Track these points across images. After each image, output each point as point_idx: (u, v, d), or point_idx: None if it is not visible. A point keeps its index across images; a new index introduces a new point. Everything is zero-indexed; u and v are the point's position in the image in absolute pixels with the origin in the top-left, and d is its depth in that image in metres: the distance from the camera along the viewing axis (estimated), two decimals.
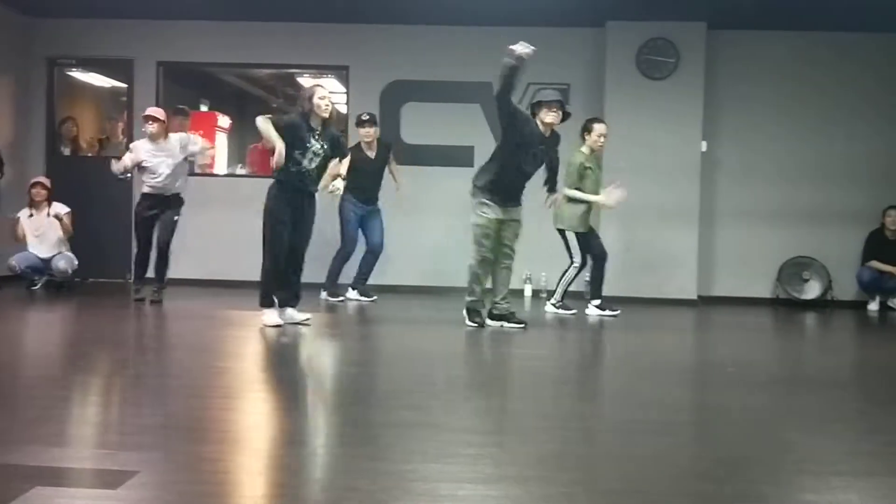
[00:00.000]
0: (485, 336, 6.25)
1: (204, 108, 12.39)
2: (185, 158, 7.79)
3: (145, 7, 8.81)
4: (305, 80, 11.99)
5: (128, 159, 7.63)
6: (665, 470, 3.14)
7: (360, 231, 8.24)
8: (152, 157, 7.56)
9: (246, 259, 9.23)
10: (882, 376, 5.44)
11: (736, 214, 8.94)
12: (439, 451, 3.22)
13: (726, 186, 8.97)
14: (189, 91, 11.74)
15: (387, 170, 8.31)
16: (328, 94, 6.29)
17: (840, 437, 3.67)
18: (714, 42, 8.82)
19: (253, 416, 3.89)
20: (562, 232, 7.53)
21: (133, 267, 7.95)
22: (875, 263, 8.67)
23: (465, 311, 6.48)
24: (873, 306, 8.75)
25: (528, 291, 8.94)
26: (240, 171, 10.34)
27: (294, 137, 6.09)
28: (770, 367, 5.81)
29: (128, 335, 6.45)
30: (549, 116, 6.46)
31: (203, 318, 7.01)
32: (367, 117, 8.20)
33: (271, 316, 6.26)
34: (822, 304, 8.78)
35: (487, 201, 6.34)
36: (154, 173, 7.58)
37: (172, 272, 9.15)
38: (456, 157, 8.94)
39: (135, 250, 7.89)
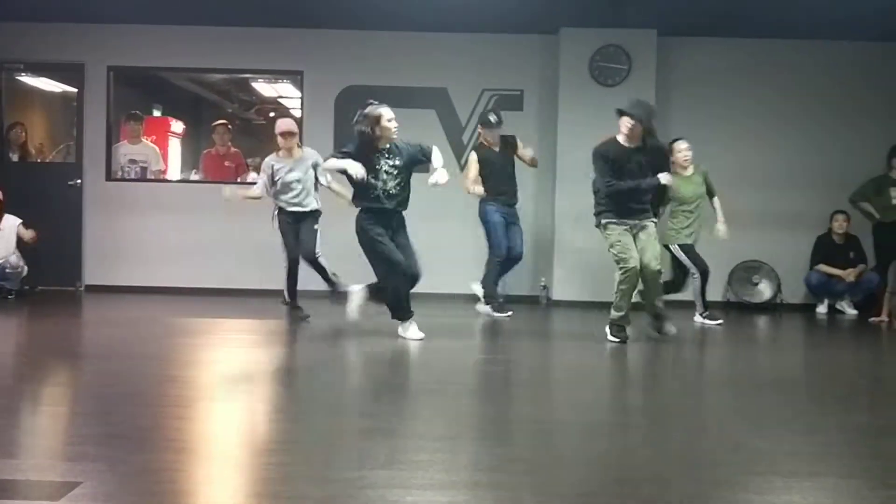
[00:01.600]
0: (442, 342, 6.25)
1: (157, 113, 12.27)
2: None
3: (96, 11, 8.68)
4: (260, 85, 11.98)
5: (260, 183, 7.30)
6: (614, 473, 3.18)
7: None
8: (286, 173, 7.20)
9: (196, 266, 9.20)
10: (827, 378, 5.56)
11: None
12: (390, 457, 3.22)
13: None
14: (141, 96, 11.61)
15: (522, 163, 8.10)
16: (393, 115, 6.27)
17: (784, 438, 3.73)
18: (664, 49, 8.93)
19: (202, 425, 3.85)
20: (667, 248, 7.63)
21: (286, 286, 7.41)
22: (823, 267, 8.83)
23: (607, 327, 6.46)
24: (822, 309, 8.91)
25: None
26: (193, 176, 10.23)
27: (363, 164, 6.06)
28: (719, 369, 5.91)
29: (75, 344, 6.35)
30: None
31: (152, 325, 6.91)
32: (496, 119, 7.96)
33: (414, 330, 6.22)
34: (771, 308, 8.92)
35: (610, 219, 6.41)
36: (290, 190, 7.21)
37: (118, 280, 9.10)
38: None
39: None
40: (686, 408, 4.41)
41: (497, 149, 8.00)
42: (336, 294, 7.23)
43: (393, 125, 6.21)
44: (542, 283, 9.13)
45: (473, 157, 7.97)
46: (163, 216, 9.24)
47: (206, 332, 6.68)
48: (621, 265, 6.30)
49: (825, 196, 8.97)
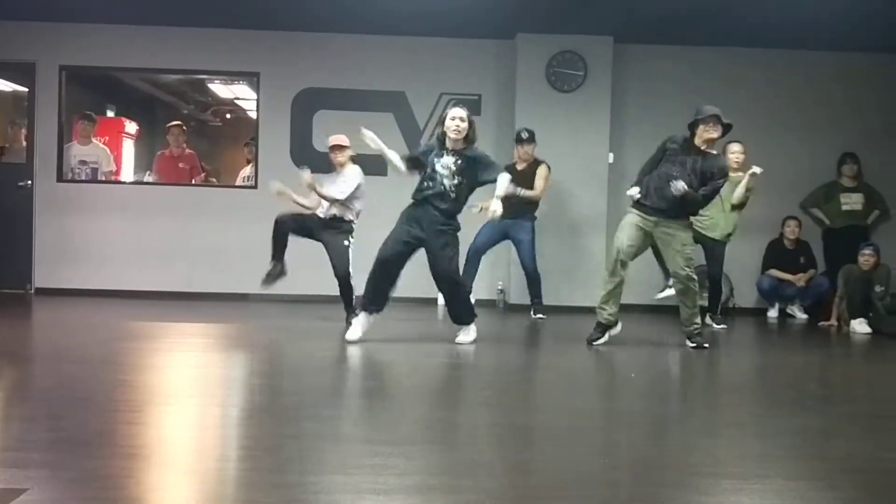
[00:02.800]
0: (398, 345, 6.25)
1: (110, 114, 12.11)
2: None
3: (48, 9, 8.54)
4: (216, 86, 11.87)
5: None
6: (567, 476, 3.19)
7: (486, 247, 8.25)
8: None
9: (151, 269, 9.08)
10: (777, 381, 5.65)
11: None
12: (342, 462, 3.21)
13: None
14: (95, 96, 11.45)
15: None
16: (460, 115, 6.16)
17: (734, 440, 3.79)
18: (621, 56, 9.03)
19: (153, 430, 3.80)
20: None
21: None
22: (774, 272, 8.98)
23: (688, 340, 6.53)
24: (773, 313, 9.06)
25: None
26: (147, 178, 10.11)
27: (427, 160, 6.21)
28: (671, 373, 5.98)
29: (24, 347, 6.23)
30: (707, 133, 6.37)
31: (104, 329, 6.81)
32: (527, 136, 8.18)
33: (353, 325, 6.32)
34: (723, 312, 9.03)
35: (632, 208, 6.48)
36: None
37: (70, 283, 8.95)
38: (369, 166, 8.87)
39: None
40: (639, 411, 4.46)
41: (520, 167, 8.16)
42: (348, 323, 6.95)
43: (454, 124, 6.12)
44: (500, 288, 9.17)
45: (544, 171, 8.21)
46: (116, 218, 9.11)
47: (159, 336, 6.60)
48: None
49: (777, 202, 9.11)
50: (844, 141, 9.14)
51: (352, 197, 7.08)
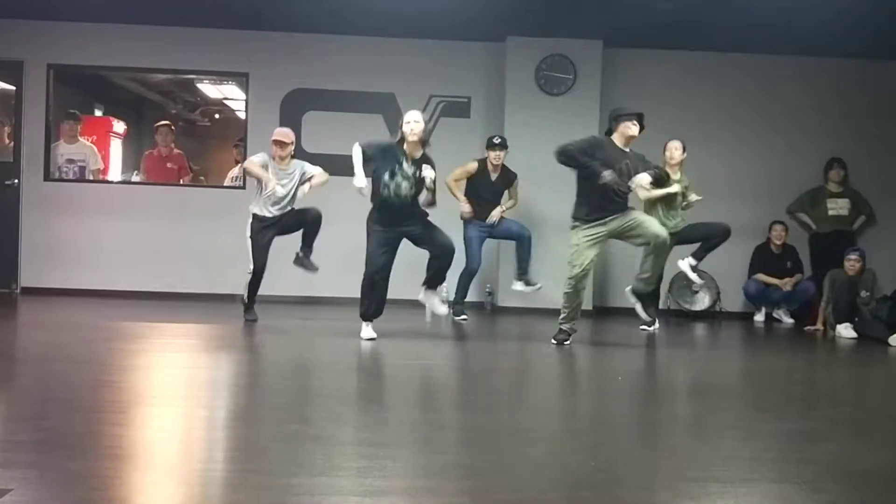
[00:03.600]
0: (385, 347, 6.24)
1: (98, 113, 12.06)
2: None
3: (36, 7, 8.50)
4: (205, 86, 11.83)
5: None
6: (551, 478, 3.19)
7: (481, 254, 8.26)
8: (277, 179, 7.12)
9: (138, 269, 9.04)
10: (763, 384, 5.67)
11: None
12: (328, 464, 3.20)
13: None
14: (82, 95, 11.39)
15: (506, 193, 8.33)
16: (416, 119, 6.32)
17: (720, 444, 3.80)
18: (610, 59, 9.05)
19: (138, 431, 3.79)
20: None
21: (247, 292, 7.31)
22: (761, 276, 9.02)
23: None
24: (759, 317, 9.10)
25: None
26: (135, 178, 10.06)
27: (385, 160, 6.26)
28: (658, 376, 6.00)
29: (9, 347, 6.18)
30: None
31: (90, 329, 6.78)
32: (499, 141, 8.15)
33: (365, 330, 6.45)
34: (711, 316, 9.08)
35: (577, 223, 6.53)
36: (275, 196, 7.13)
37: (56, 282, 8.90)
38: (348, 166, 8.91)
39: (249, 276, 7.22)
40: (625, 414, 4.47)
41: (493, 177, 8.19)
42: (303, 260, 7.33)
43: (408, 128, 6.29)
44: (488, 289, 9.17)
45: (473, 165, 8.19)
46: (103, 218, 9.08)
47: (146, 337, 6.57)
48: (571, 268, 6.44)
49: (763, 207, 9.17)
50: (831, 146, 9.19)
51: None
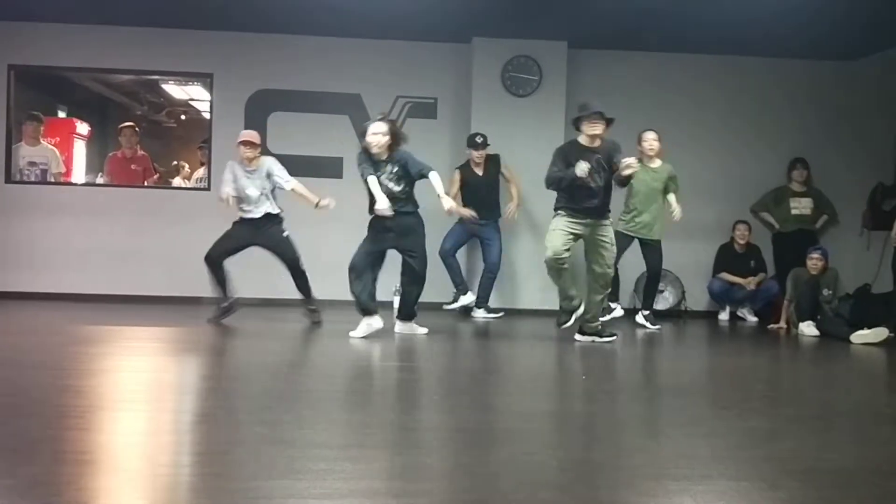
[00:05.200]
0: (348, 348, 6.23)
1: (62, 115, 11.94)
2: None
3: None
4: (171, 87, 11.75)
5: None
6: (514, 478, 3.20)
7: (458, 247, 8.55)
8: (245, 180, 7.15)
9: (102, 272, 8.95)
10: (726, 382, 5.73)
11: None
12: (288, 466, 3.18)
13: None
14: (45, 96, 11.27)
15: (504, 183, 8.55)
16: (374, 132, 6.49)
17: (681, 441, 3.83)
18: (575, 61, 9.10)
19: (98, 436, 3.74)
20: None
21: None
22: (725, 275, 9.11)
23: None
24: (724, 316, 9.20)
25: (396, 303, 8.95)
26: (99, 180, 9.97)
27: (368, 172, 6.50)
28: (622, 375, 6.03)
29: None
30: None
31: (52, 333, 6.70)
32: (480, 140, 8.32)
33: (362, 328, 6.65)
34: (676, 314, 9.16)
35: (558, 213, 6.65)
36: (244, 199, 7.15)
37: (17, 286, 8.78)
38: (324, 167, 8.91)
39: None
40: (588, 413, 4.50)
41: (480, 171, 8.40)
42: (311, 311, 7.43)
43: (374, 140, 6.48)
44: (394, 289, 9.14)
45: (457, 174, 8.43)
46: (66, 220, 8.98)
47: (109, 341, 6.51)
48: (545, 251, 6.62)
49: (727, 206, 9.27)
50: (794, 146, 9.31)
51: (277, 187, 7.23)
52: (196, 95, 12.05)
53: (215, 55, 9.08)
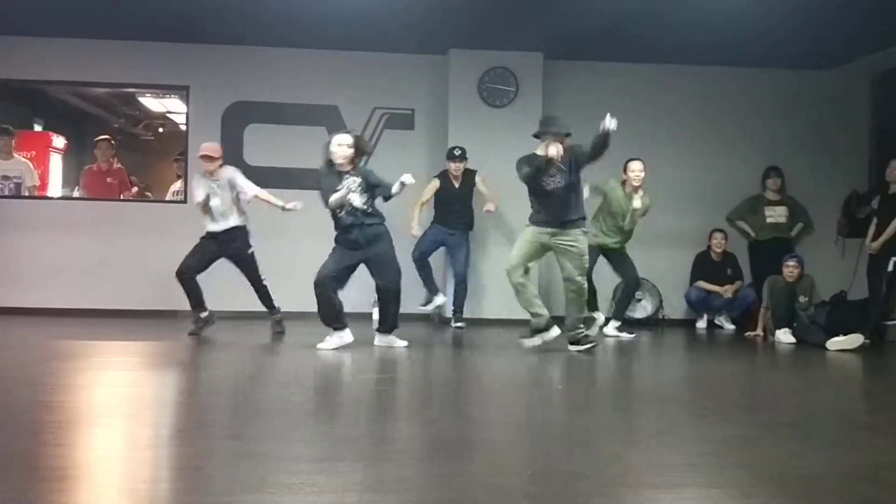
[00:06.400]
0: (323, 361, 6.21)
1: (38, 128, 11.85)
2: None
3: None
4: (148, 100, 11.70)
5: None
6: (488, 489, 3.19)
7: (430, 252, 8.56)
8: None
9: (77, 286, 8.87)
10: (701, 391, 5.76)
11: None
12: (262, 480, 3.16)
13: None
14: (21, 109, 11.20)
15: (477, 194, 8.58)
16: (339, 143, 6.55)
17: (654, 450, 3.84)
18: (551, 71, 9.15)
19: (71, 452, 3.71)
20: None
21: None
22: (702, 283, 9.16)
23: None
24: (701, 324, 9.24)
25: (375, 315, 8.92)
26: (75, 193, 9.90)
27: (329, 186, 6.53)
28: (598, 384, 6.04)
29: None
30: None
31: (26, 349, 6.65)
32: (459, 153, 8.40)
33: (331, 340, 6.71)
34: (654, 323, 9.20)
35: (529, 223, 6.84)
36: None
37: None
38: (301, 179, 8.85)
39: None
40: (563, 422, 4.50)
41: (457, 183, 8.49)
42: (275, 321, 7.49)
43: (339, 151, 6.55)
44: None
45: (435, 182, 8.54)
46: (41, 234, 8.91)
47: (83, 355, 6.46)
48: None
49: (704, 215, 9.33)
50: (768, 155, 9.39)
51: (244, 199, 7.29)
52: (173, 108, 12.02)
53: (191, 68, 9.06)
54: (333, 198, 6.48)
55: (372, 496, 3.05)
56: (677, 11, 7.68)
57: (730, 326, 9.15)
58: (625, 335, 8.01)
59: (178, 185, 9.54)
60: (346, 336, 6.72)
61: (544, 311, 6.89)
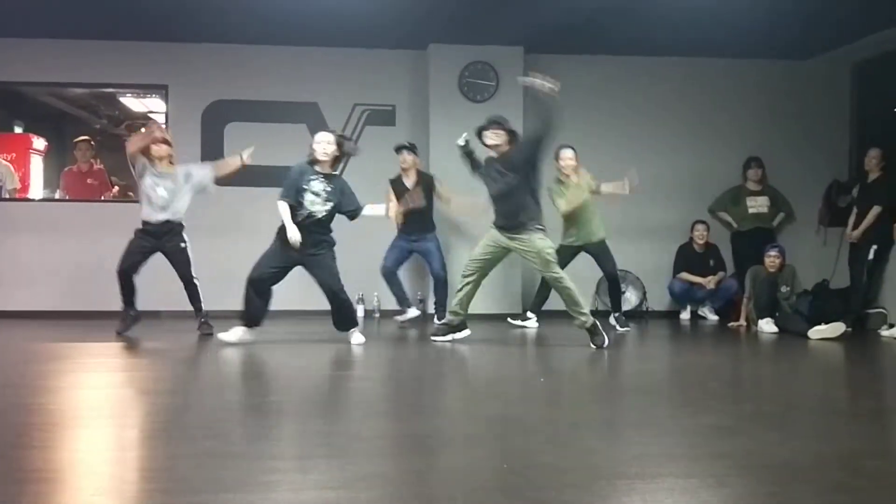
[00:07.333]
0: (300, 357, 6.21)
1: (18, 130, 11.78)
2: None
3: None
4: (129, 100, 11.64)
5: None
6: (466, 483, 3.19)
7: (396, 265, 8.51)
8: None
9: (58, 288, 8.83)
10: (683, 381, 5.77)
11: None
12: (237, 480, 3.15)
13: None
14: (1, 112, 11.13)
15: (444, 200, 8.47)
16: (328, 140, 6.48)
17: (633, 441, 3.84)
18: (531, 65, 9.05)
19: (48, 453, 3.68)
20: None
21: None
22: (685, 275, 9.19)
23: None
24: (685, 315, 9.27)
25: (360, 312, 8.92)
26: (56, 195, 9.84)
27: (300, 180, 6.47)
28: (580, 376, 6.05)
29: None
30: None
31: (9, 351, 6.62)
32: (409, 145, 8.35)
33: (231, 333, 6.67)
34: (637, 315, 9.21)
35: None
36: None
37: None
38: (283, 177, 8.81)
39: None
40: (543, 416, 4.50)
41: (409, 183, 8.34)
42: (202, 323, 7.39)
43: (319, 148, 6.50)
44: (420, 297, 9.16)
45: (389, 190, 8.38)
46: (21, 236, 8.88)
47: (63, 358, 6.42)
48: None
49: (686, 206, 9.36)
50: (749, 146, 9.42)
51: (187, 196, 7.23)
52: (155, 108, 11.94)
53: (170, 67, 9.02)
54: (285, 217, 6.46)
55: (349, 493, 3.04)
56: (658, 4, 7.69)
57: (713, 317, 9.19)
58: (620, 328, 8.03)
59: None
60: (246, 336, 6.70)
61: (462, 313, 6.99)
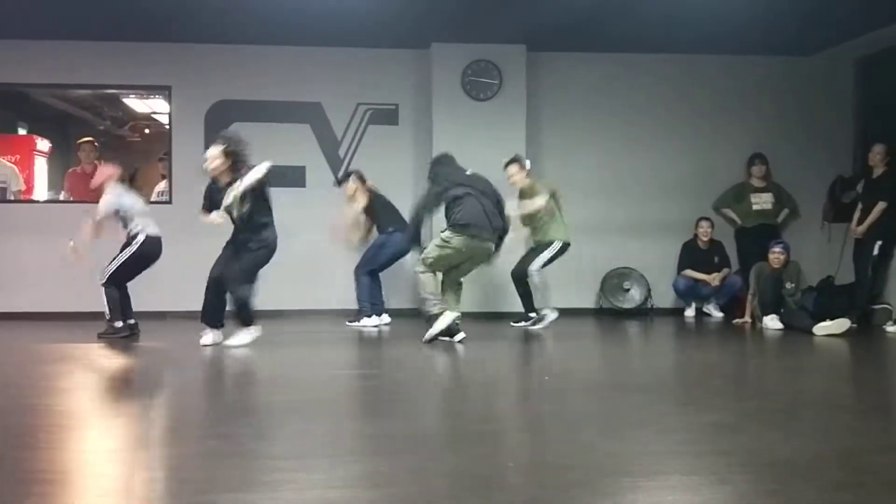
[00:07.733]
0: (306, 357, 6.21)
1: (22, 132, 11.80)
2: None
3: None
4: (132, 101, 11.65)
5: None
6: (469, 481, 3.20)
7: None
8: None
9: (62, 289, 8.84)
10: (687, 379, 5.77)
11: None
12: (241, 479, 3.16)
13: None
14: (4, 113, 11.16)
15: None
16: (213, 154, 6.56)
17: (636, 439, 3.84)
18: (534, 63, 9.14)
19: (48, 454, 3.70)
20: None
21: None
22: (689, 272, 9.18)
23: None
24: (689, 312, 9.26)
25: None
26: (61, 197, 9.86)
27: (213, 200, 6.62)
28: (585, 374, 6.04)
29: None
30: None
31: (13, 352, 6.64)
32: (343, 175, 8.45)
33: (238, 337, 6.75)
34: (642, 312, 9.21)
35: None
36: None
37: None
38: (287, 177, 8.86)
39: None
40: (547, 413, 4.50)
41: (358, 205, 8.33)
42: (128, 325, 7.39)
43: (203, 165, 6.64)
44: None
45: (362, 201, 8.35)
46: (26, 238, 8.89)
47: (68, 359, 6.43)
48: None
49: (690, 203, 9.35)
50: (752, 142, 9.41)
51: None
52: (158, 108, 11.95)
53: (173, 67, 9.03)
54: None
55: (354, 492, 3.05)
56: (659, 1, 7.69)
57: (718, 314, 9.18)
58: (530, 325, 7.99)
59: (162, 185, 9.51)
60: (216, 337, 6.79)
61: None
